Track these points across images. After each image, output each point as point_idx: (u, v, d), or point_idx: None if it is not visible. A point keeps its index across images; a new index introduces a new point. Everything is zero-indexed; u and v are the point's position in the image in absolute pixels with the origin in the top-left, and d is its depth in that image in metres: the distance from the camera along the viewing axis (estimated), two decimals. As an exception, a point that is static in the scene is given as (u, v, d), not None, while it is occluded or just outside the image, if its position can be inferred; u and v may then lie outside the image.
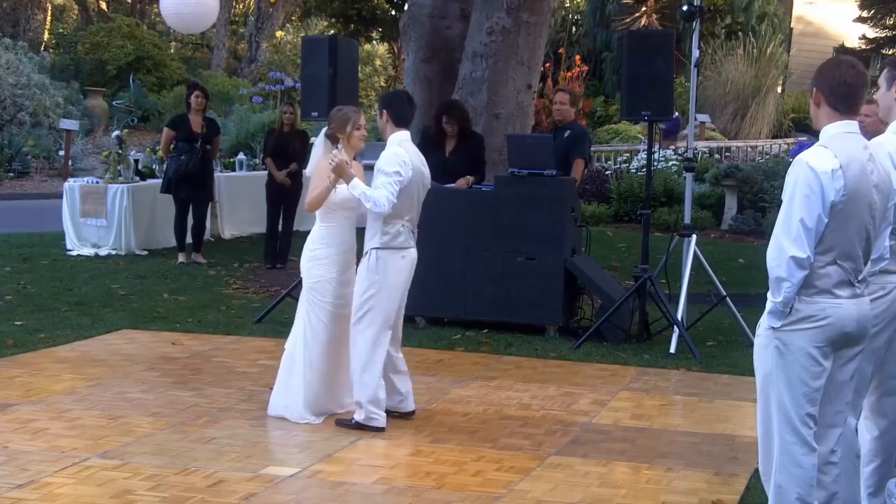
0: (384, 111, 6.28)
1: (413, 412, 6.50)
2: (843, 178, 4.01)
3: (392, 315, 6.23)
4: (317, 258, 6.39)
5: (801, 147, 13.61)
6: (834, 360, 4.13)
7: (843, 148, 4.07)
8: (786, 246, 4.02)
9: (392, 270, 6.15)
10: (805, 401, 4.09)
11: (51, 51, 33.40)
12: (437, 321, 9.21)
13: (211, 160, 12.48)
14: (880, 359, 4.57)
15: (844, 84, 4.14)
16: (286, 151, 12.24)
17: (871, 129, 5.37)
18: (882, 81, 4.74)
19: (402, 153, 6.13)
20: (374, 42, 34.15)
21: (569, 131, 9.63)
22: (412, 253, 6.29)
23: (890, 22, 27.70)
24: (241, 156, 15.60)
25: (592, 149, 15.36)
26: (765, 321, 4.16)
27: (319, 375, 6.38)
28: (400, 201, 6.09)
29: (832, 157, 4.03)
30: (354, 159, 6.52)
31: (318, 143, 6.64)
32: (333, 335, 6.37)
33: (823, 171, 4.00)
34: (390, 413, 6.36)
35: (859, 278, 4.14)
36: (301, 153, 12.52)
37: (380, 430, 6.18)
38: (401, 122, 6.28)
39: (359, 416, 6.22)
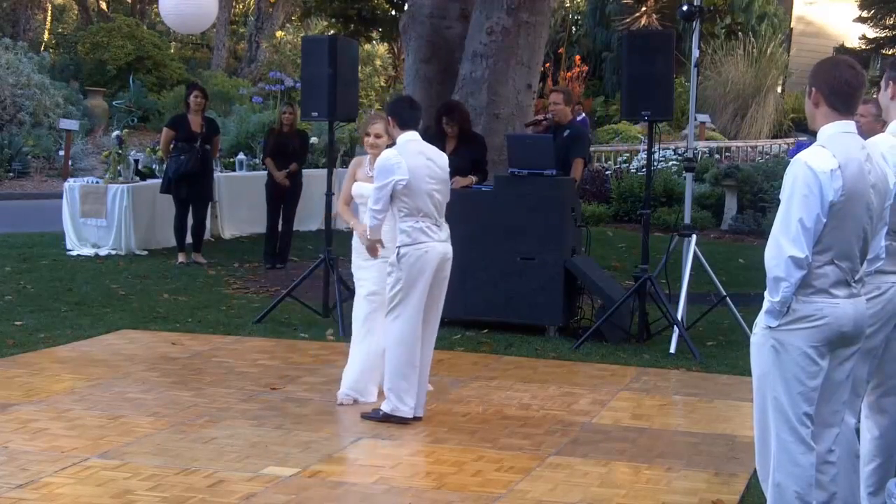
0: (390, 118, 6.60)
1: (419, 418, 6.50)
2: (841, 177, 4.01)
3: (420, 308, 6.36)
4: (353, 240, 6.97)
5: (800, 147, 13.62)
6: (830, 360, 4.13)
7: (842, 148, 4.07)
8: (784, 246, 4.02)
9: (414, 264, 6.31)
10: (802, 400, 4.09)
11: (51, 51, 33.41)
12: (438, 321, 9.20)
13: (211, 160, 12.47)
14: (877, 359, 4.57)
15: (847, 84, 4.13)
16: (286, 151, 12.25)
17: (867, 129, 5.38)
18: (884, 83, 4.74)
19: (391, 157, 6.35)
20: (374, 42, 34.09)
21: (568, 131, 9.62)
22: (437, 248, 6.39)
23: (890, 22, 27.71)
24: (241, 156, 15.59)
25: (592, 149, 15.37)
26: (762, 320, 4.16)
27: (354, 350, 6.84)
28: (409, 202, 6.30)
29: (831, 156, 4.03)
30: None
31: None
32: (361, 312, 6.84)
33: (822, 170, 4.00)
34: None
35: (856, 278, 4.14)
36: (301, 153, 12.53)
37: (404, 421, 6.31)
38: (405, 124, 6.52)
39: (386, 407, 6.37)
